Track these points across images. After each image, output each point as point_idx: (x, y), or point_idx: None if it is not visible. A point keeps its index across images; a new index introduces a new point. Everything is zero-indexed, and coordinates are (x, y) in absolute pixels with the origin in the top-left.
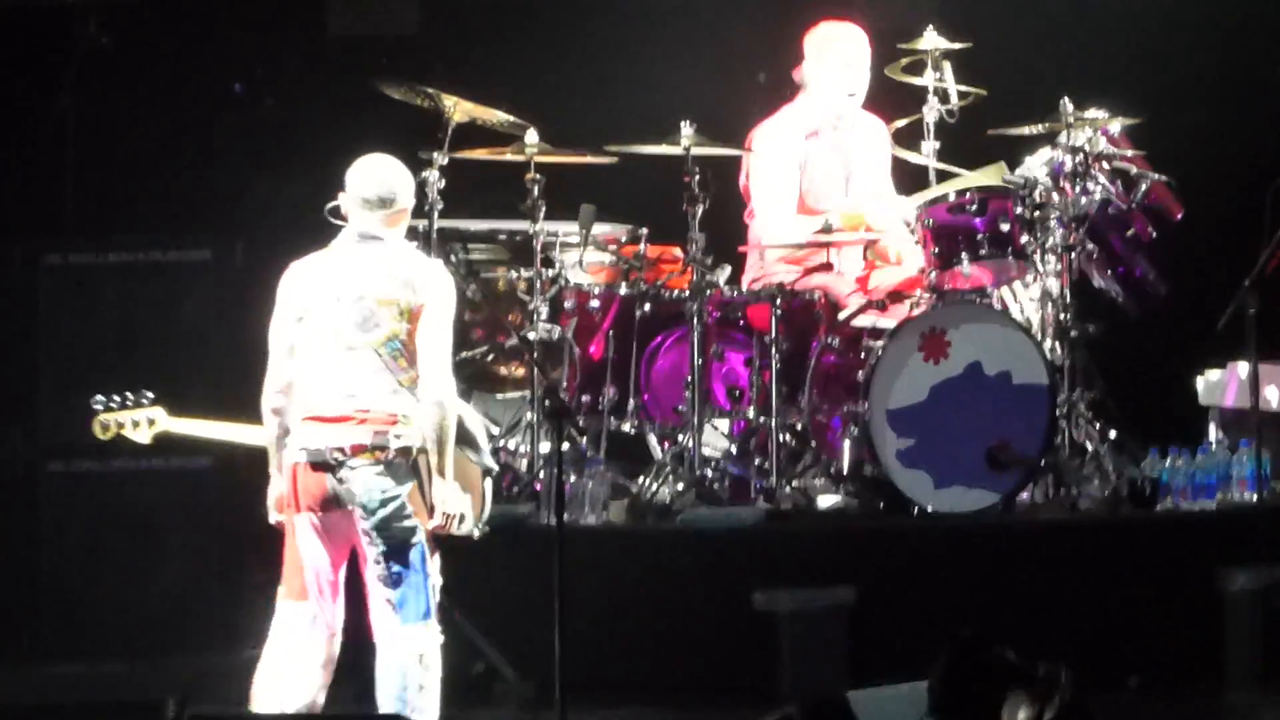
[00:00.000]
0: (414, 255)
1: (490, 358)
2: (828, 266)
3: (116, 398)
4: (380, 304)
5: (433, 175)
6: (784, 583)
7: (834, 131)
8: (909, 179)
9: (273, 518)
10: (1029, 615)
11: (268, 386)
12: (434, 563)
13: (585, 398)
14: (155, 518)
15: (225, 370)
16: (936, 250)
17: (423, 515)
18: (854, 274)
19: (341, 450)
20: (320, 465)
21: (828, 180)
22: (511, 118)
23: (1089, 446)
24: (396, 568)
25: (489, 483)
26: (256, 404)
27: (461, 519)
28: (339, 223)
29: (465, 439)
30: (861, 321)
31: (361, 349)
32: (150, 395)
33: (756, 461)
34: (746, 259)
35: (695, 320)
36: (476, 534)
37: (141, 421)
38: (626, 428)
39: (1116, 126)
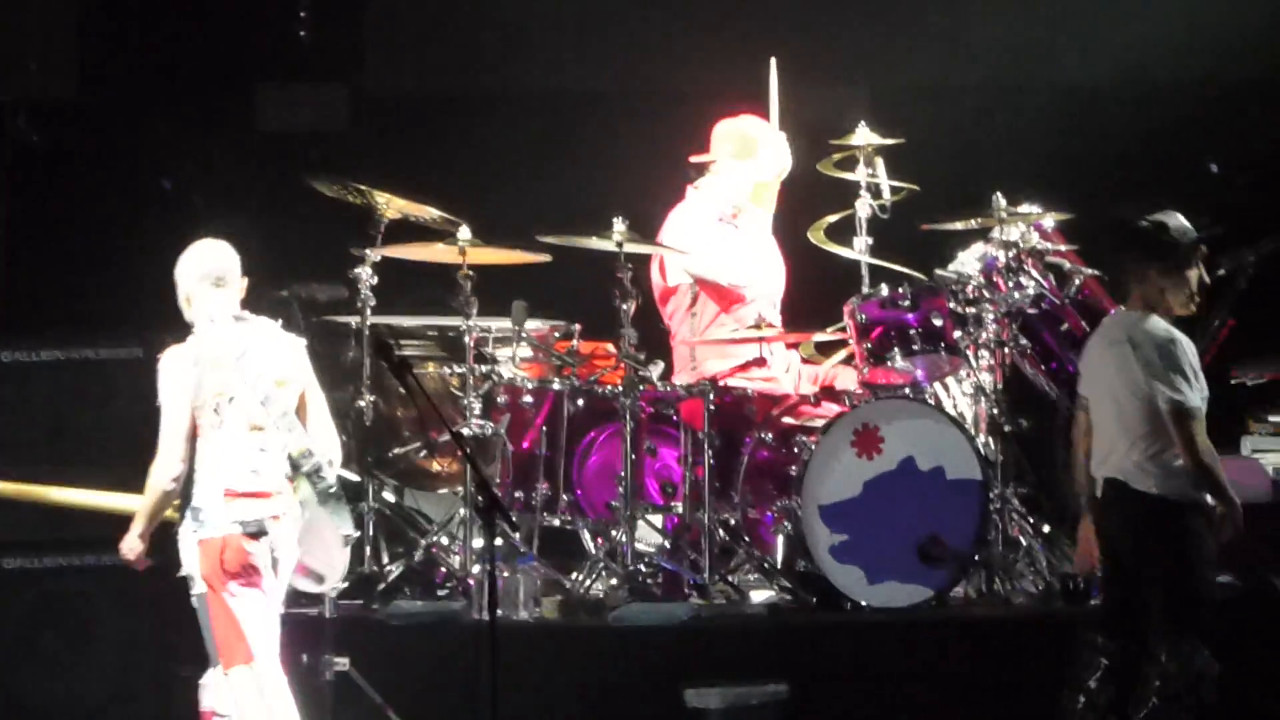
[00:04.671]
0: (280, 330)
1: (423, 454)
2: (761, 362)
3: None
4: (277, 384)
5: (365, 272)
6: (717, 679)
7: (745, 218)
8: (843, 273)
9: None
10: (963, 711)
11: (164, 465)
12: None
13: (518, 494)
14: (88, 614)
15: None
16: (869, 345)
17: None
18: (785, 369)
19: (274, 519)
20: (255, 534)
21: (739, 262)
22: (443, 214)
23: (1022, 541)
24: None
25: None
26: None
27: (322, 579)
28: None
29: (337, 501)
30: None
31: (265, 426)
32: None
33: (689, 557)
34: (674, 360)
35: (628, 416)
36: (332, 593)
37: None
38: (559, 523)
39: (1049, 222)
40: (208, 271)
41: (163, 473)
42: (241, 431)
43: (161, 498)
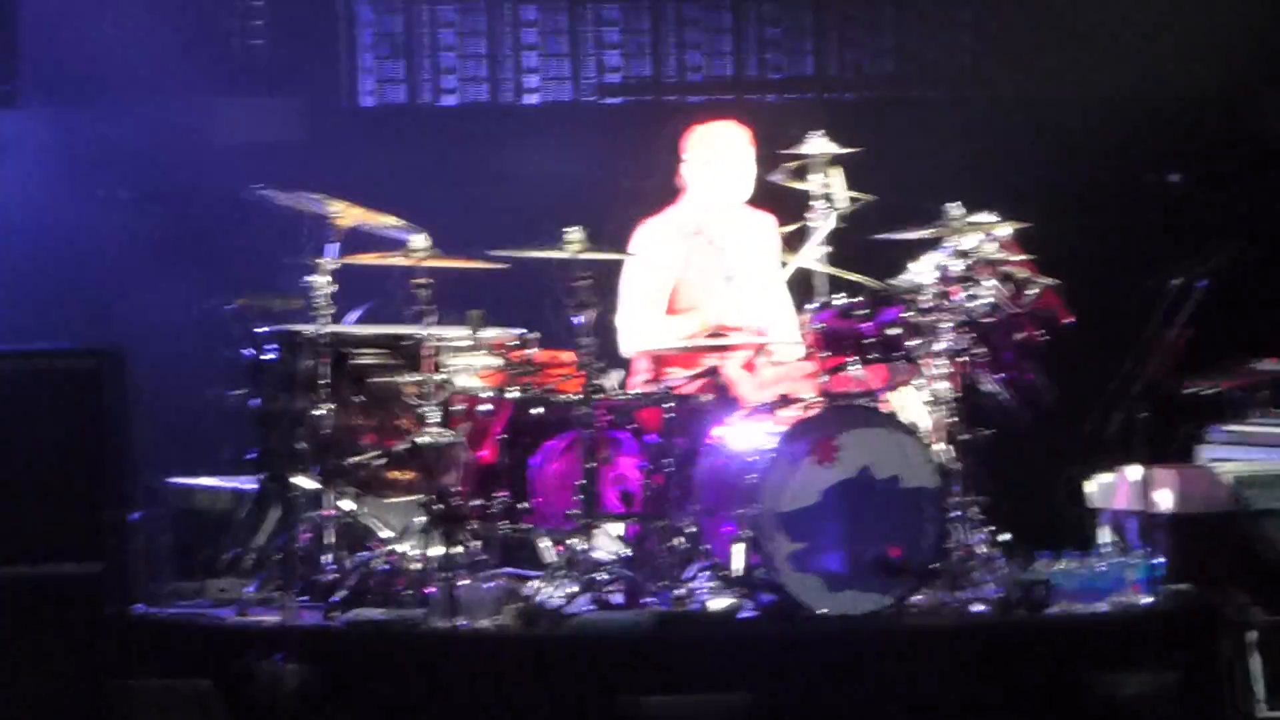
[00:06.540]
0: None
1: (381, 462)
2: (715, 371)
3: None
4: None
5: (320, 280)
6: (676, 688)
7: (717, 230)
8: (794, 284)
9: None
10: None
11: None
12: None
13: (477, 502)
14: None
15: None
16: (826, 354)
17: None
18: (743, 373)
19: None
20: None
21: (707, 278)
22: (401, 222)
23: (980, 550)
24: None
25: None
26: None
27: None
28: None
29: None
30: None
31: None
32: None
33: (648, 565)
34: (631, 362)
35: (586, 424)
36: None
37: None
38: (517, 532)
39: (1005, 231)
40: None
41: None
42: None
43: None
